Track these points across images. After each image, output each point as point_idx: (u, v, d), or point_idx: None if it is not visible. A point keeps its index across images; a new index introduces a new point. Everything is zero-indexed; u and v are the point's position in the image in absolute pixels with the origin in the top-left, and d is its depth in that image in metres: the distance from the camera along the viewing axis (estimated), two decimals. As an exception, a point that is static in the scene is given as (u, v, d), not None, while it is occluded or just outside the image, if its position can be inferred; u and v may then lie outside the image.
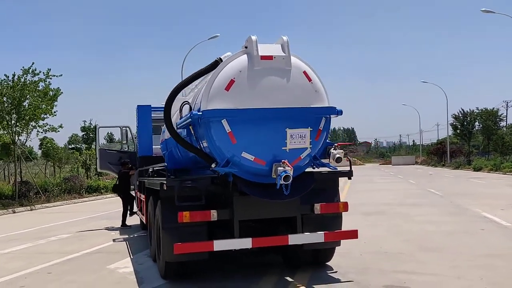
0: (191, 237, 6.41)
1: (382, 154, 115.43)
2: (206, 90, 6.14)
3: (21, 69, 21.02)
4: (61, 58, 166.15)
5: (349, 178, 7.17)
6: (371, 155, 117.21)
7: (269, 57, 6.17)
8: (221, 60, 6.41)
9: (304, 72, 6.31)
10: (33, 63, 21.07)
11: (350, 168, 7.11)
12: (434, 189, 21.98)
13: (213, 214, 6.41)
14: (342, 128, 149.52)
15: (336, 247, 7.42)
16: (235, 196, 6.47)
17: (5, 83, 20.88)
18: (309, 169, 6.73)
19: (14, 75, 20.95)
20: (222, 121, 5.97)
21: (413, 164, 75.36)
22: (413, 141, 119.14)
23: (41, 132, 22.65)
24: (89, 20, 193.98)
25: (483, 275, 6.69)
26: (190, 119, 6.16)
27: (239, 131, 6.02)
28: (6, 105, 20.77)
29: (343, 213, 7.11)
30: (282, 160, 5.99)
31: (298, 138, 6.20)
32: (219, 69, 6.18)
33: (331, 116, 6.51)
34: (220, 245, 6.37)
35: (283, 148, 6.12)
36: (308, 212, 6.77)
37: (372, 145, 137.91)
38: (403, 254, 8.31)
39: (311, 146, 6.26)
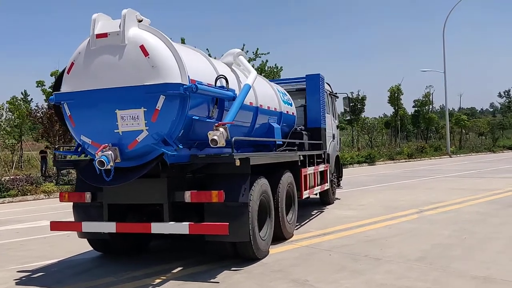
0: (83, 217, 6.74)
1: None
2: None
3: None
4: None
5: (238, 164, 6.06)
6: None
7: (104, 35, 5.97)
8: None
9: (141, 47, 5.79)
10: (244, 44, 23.32)
11: (232, 152, 6.12)
12: None
13: (87, 196, 6.57)
14: None
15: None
16: None
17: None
18: None
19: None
20: (64, 104, 6.12)
21: None
22: None
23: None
24: None
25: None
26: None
27: (76, 114, 6.09)
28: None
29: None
30: (104, 144, 5.74)
31: (130, 120, 5.80)
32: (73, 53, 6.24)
33: (186, 92, 5.71)
34: (87, 226, 6.53)
35: (115, 131, 5.84)
36: (182, 200, 6.16)
37: None
38: (379, 259, 6.53)
39: (147, 128, 5.72)
